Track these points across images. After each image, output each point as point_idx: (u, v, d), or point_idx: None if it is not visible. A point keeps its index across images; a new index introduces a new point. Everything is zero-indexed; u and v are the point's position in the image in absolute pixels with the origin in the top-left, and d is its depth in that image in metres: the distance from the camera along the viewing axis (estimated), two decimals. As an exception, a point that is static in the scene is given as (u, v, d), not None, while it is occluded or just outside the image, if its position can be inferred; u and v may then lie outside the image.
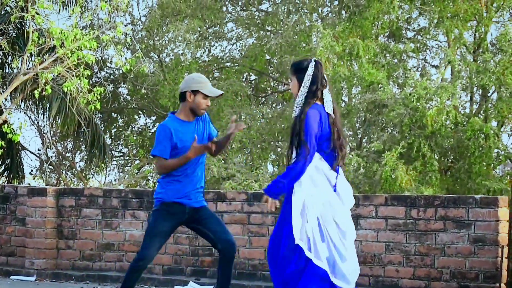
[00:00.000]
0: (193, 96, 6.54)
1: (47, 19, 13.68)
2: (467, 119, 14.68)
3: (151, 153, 6.62)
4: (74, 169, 19.78)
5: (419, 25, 17.02)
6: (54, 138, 19.01)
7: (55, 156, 19.68)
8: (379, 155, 13.78)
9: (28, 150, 19.32)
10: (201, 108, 6.59)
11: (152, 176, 19.35)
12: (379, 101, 14.27)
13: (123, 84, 19.67)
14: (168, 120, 6.59)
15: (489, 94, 15.63)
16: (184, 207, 6.57)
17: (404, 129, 13.90)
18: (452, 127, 14.19)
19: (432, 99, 13.88)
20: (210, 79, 18.67)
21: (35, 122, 18.58)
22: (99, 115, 19.48)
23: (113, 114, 20.20)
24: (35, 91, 13.39)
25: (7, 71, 15.97)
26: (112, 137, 20.79)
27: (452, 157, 15.04)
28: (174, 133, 6.52)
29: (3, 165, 17.67)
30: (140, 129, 20.74)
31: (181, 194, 6.56)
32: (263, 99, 19.69)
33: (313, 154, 5.85)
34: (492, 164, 14.43)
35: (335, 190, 5.96)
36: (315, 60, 6.12)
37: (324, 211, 5.89)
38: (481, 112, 15.42)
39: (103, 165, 18.49)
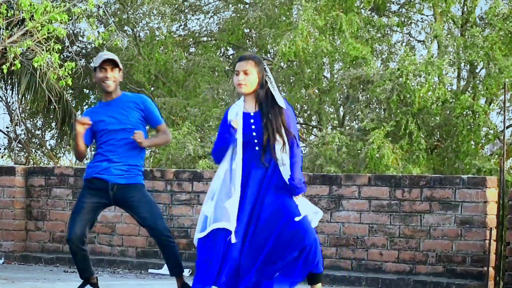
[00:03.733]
0: (94, 73, 6.35)
1: (16, -9, 13.32)
2: (454, 96, 14.51)
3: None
4: (44, 148, 19.53)
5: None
6: (23, 115, 18.69)
7: (24, 133, 19.41)
8: (363, 133, 13.55)
9: (-5, 128, 19.10)
10: (102, 81, 6.28)
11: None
12: (364, 76, 14.01)
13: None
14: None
15: (477, 70, 15.46)
16: (105, 183, 6.23)
17: (392, 106, 13.65)
18: (440, 105, 13.98)
19: (420, 75, 13.67)
20: (186, 54, 18.42)
21: (3, 98, 18.27)
22: (71, 91, 19.15)
23: (85, 90, 19.88)
24: (4, 66, 13.04)
25: (-26, 45, 15.59)
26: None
27: (438, 135, 14.88)
28: (90, 115, 6.29)
29: (-30, 143, 17.40)
30: (113, 106, 20.45)
31: (100, 169, 6.24)
32: (241, 74, 19.43)
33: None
34: (480, 143, 14.29)
35: None
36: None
37: None
38: (469, 89, 15.26)
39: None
